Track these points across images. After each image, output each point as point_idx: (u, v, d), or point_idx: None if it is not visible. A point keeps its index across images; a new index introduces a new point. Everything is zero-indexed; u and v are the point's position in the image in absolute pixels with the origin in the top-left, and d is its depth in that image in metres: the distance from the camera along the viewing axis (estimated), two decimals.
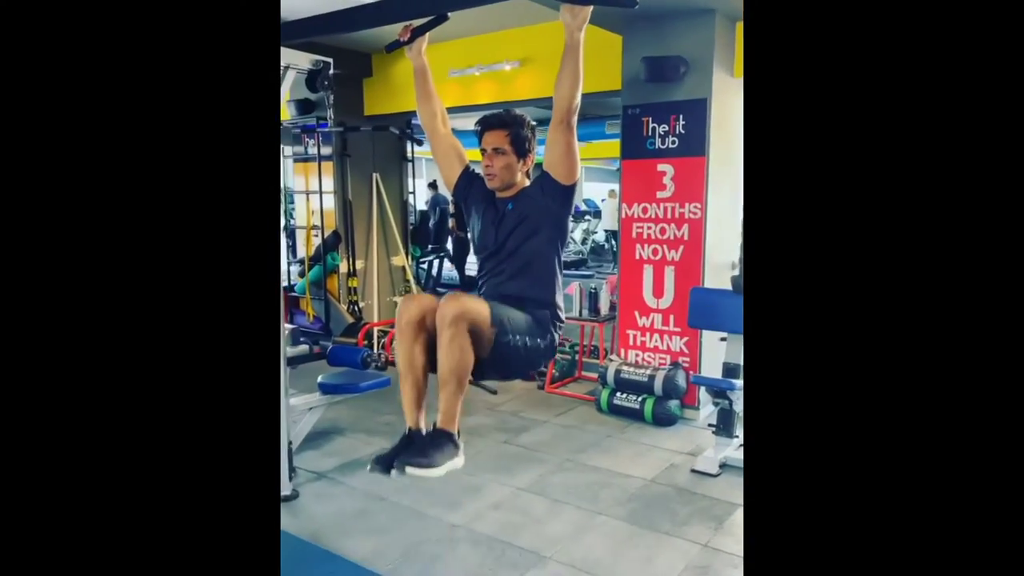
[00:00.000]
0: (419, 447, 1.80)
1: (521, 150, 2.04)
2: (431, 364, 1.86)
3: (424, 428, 1.87)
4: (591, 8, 1.84)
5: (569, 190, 1.99)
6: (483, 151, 2.04)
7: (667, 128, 4.04)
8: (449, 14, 2.11)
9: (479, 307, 1.82)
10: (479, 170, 2.11)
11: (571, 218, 2.16)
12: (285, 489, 3.01)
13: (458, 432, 1.85)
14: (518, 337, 1.91)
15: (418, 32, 2.16)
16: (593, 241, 12.41)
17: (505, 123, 2.05)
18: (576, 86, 1.86)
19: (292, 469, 3.13)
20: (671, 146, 4.05)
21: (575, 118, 1.92)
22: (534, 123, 2.11)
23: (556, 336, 2.08)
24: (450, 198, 7.90)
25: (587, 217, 12.43)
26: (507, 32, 5.04)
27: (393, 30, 2.20)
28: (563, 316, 2.11)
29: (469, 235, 2.22)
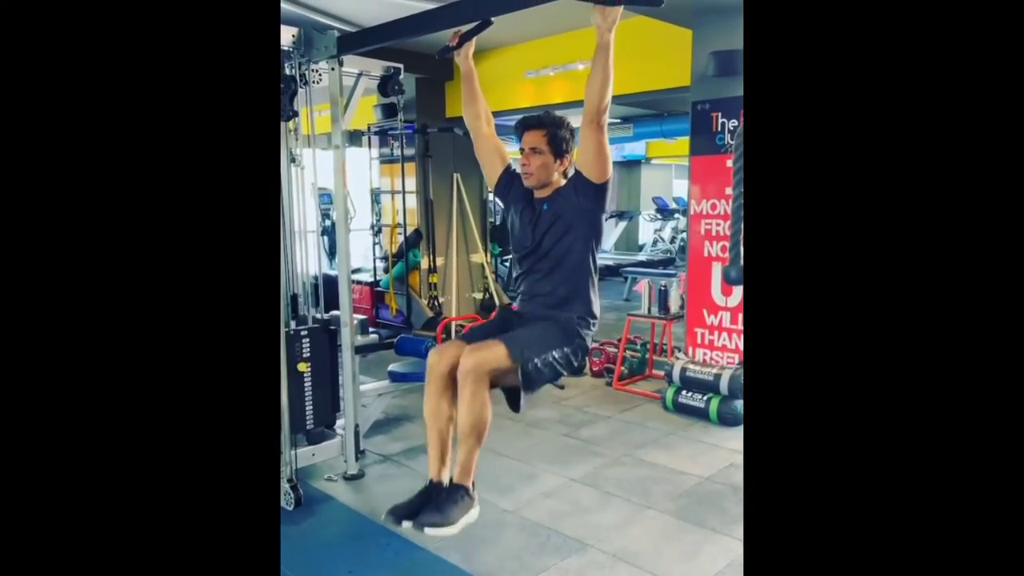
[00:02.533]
0: (437, 504, 1.98)
1: (558, 150, 2.12)
2: (456, 414, 2.02)
3: (445, 481, 2.04)
4: (620, 9, 1.89)
5: (601, 188, 2.05)
6: (521, 150, 2.14)
7: (737, 123, 3.96)
8: (492, 19, 2.23)
9: (496, 353, 1.96)
10: (519, 169, 2.20)
11: (606, 217, 2.23)
12: (352, 469, 3.23)
13: (473, 484, 2.03)
14: (542, 357, 2.03)
15: (465, 38, 2.28)
16: (682, 239, 12.15)
17: (543, 124, 2.14)
18: (606, 86, 1.91)
19: (360, 451, 3.35)
20: None
21: (605, 117, 1.97)
22: (573, 126, 2.18)
23: (587, 335, 2.14)
24: None
25: (676, 215, 12.20)
26: (579, 32, 5.10)
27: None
28: (596, 312, 2.16)
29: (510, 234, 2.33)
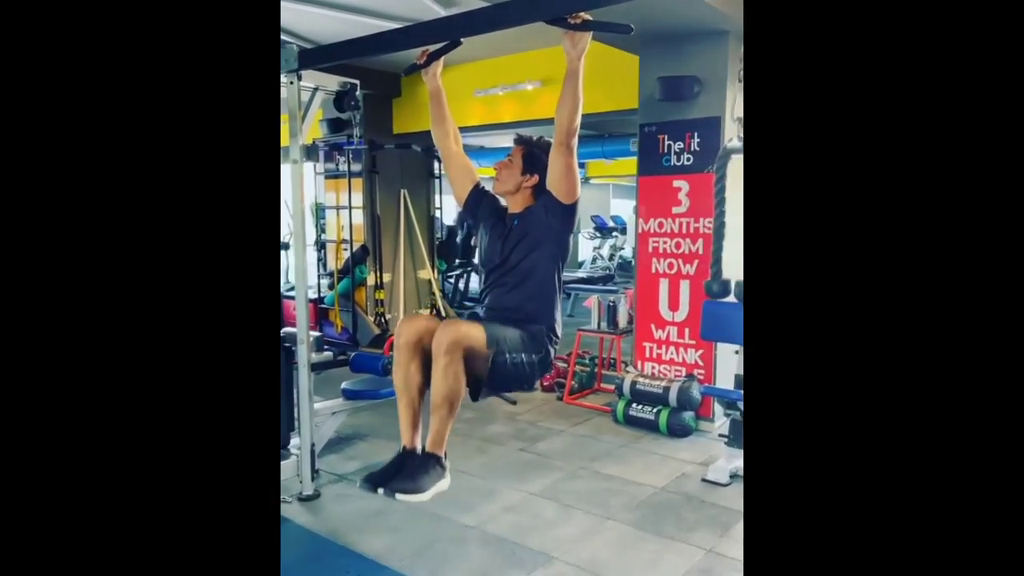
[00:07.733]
0: (409, 471, 1.97)
1: (527, 165, 2.20)
2: (427, 384, 2.01)
3: (418, 448, 2.03)
4: (590, 35, 1.97)
5: (569, 209, 2.12)
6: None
7: (682, 145, 4.14)
8: (462, 40, 2.28)
9: (475, 332, 1.97)
10: (489, 187, 2.26)
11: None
12: (307, 489, 3.15)
13: (445, 454, 2.02)
14: (513, 355, 2.05)
15: (433, 56, 2.31)
16: (621, 257, 12.44)
17: (526, 142, 2.28)
18: (575, 110, 1.99)
19: (315, 470, 3.28)
20: (686, 163, 4.14)
21: (575, 140, 2.04)
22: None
23: (552, 350, 2.19)
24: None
25: (615, 233, 12.48)
26: (529, 53, 5.20)
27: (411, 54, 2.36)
28: (559, 331, 2.21)
29: (476, 249, 2.39)
